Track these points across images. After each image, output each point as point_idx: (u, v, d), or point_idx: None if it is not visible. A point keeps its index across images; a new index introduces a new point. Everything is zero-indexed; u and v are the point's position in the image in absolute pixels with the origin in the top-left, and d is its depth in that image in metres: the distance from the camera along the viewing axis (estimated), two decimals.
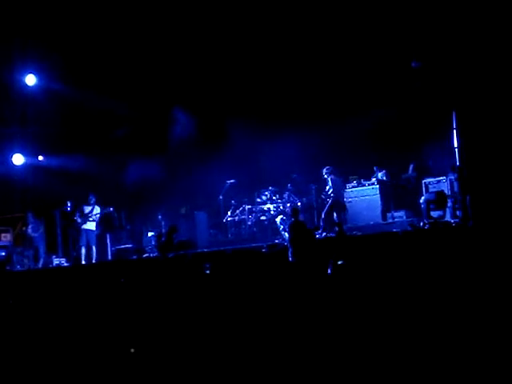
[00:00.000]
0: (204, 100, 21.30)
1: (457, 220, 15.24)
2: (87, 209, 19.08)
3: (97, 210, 19.07)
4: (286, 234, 15.82)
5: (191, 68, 20.67)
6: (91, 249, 18.96)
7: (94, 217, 19.03)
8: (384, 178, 17.85)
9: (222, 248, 17.59)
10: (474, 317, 8.87)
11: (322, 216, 17.12)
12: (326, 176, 17.39)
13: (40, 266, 19.59)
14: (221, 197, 19.94)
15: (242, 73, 20.27)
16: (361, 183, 17.78)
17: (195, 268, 14.92)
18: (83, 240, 18.92)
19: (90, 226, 19.01)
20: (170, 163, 21.53)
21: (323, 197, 17.54)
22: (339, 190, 17.28)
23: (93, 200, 19.12)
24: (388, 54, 17.93)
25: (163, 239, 18.04)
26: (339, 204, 17.17)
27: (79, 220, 18.95)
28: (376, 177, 17.82)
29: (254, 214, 19.31)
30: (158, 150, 21.35)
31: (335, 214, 17.10)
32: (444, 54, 15.82)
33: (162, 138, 21.69)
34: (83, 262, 18.73)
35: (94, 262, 18.86)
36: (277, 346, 9.29)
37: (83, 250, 18.85)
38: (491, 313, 8.92)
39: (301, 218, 17.33)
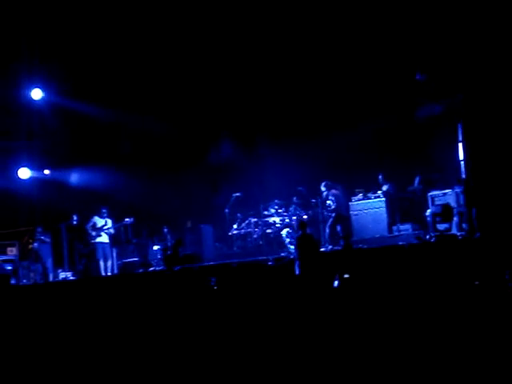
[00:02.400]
0: (210, 113, 21.34)
1: (463, 233, 15.17)
2: (99, 222, 19.10)
3: (109, 223, 19.12)
4: (292, 247, 15.82)
5: (197, 79, 20.70)
6: (107, 261, 18.98)
7: (109, 230, 19.09)
8: (390, 191, 17.80)
9: (227, 261, 17.54)
10: (481, 329, 8.85)
11: (327, 230, 17.20)
12: (325, 192, 17.44)
13: (50, 280, 19.57)
14: (227, 210, 19.92)
15: (247, 85, 20.33)
16: (367, 196, 17.73)
17: (201, 281, 14.92)
18: (99, 253, 18.93)
19: (104, 238, 19.03)
20: (176, 176, 21.51)
21: (325, 212, 17.55)
22: (341, 203, 17.35)
23: (106, 213, 19.15)
24: (393, 67, 17.94)
25: (169, 252, 18.05)
26: (342, 217, 17.27)
27: (93, 233, 18.97)
28: (382, 188, 17.77)
29: (259, 227, 19.25)
30: (163, 163, 21.40)
31: (339, 227, 17.18)
32: (449, 67, 15.84)
33: (167, 151, 21.75)
34: (103, 274, 18.72)
35: (111, 274, 18.91)
36: (283, 358, 9.28)
37: (102, 263, 18.85)
38: (498, 325, 8.91)
39: (307, 231, 17.37)
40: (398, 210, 17.46)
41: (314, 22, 18.67)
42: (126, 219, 19.34)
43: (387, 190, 17.72)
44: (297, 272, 13.96)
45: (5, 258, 20.07)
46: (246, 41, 19.62)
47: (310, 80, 19.61)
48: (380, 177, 17.87)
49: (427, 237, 15.80)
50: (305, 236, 14.78)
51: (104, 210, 19.15)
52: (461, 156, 15.11)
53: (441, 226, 16.01)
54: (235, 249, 19.72)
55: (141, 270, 19.37)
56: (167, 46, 20.25)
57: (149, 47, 20.32)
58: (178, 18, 19.82)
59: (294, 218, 18.56)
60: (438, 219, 16.09)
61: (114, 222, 19.20)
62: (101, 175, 21.65)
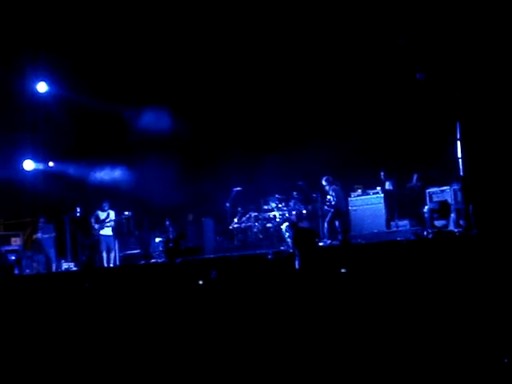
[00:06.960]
0: (210, 108, 21.50)
1: (460, 229, 15.31)
2: (102, 215, 19.35)
3: (112, 215, 19.38)
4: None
5: (195, 71, 20.88)
6: (110, 253, 19.30)
7: (110, 222, 19.32)
8: (391, 188, 17.94)
9: (228, 254, 17.70)
10: (477, 325, 8.98)
11: (325, 225, 17.36)
12: (327, 187, 17.61)
13: (53, 270, 19.81)
14: (228, 204, 20.04)
15: (250, 81, 20.50)
16: (365, 192, 17.88)
17: (202, 273, 15.08)
18: (103, 245, 19.25)
19: (107, 231, 19.33)
20: (178, 169, 21.65)
21: (325, 207, 17.74)
22: (341, 198, 17.53)
23: (107, 206, 19.41)
24: (393, 66, 18.06)
25: (171, 245, 18.19)
26: (340, 212, 17.44)
27: (96, 226, 19.23)
28: (383, 185, 17.90)
29: (259, 222, 19.38)
30: (166, 156, 21.55)
31: (337, 223, 17.38)
32: (448, 65, 15.96)
33: (170, 144, 21.92)
34: (105, 266, 19.06)
35: (113, 265, 19.19)
36: (281, 351, 9.45)
37: (104, 255, 19.17)
38: (495, 321, 9.03)
39: (306, 225, 17.52)
40: (396, 206, 17.59)
41: (309, 21, 18.79)
42: (125, 213, 19.59)
43: (389, 187, 17.87)
44: (296, 267, 14.14)
45: (9, 248, 20.32)
46: (249, 42, 19.81)
47: (310, 78, 19.71)
48: (382, 174, 18.01)
49: (425, 233, 15.87)
50: (299, 232, 15.00)
51: (105, 204, 19.42)
52: (459, 153, 15.24)
53: (438, 223, 16.14)
54: (236, 242, 19.85)
55: (142, 262, 19.58)
56: (170, 42, 20.38)
57: (153, 43, 20.46)
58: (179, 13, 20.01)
59: (294, 212, 18.72)
60: (435, 216, 16.21)
61: (115, 214, 19.46)
62: (104, 168, 21.82)
